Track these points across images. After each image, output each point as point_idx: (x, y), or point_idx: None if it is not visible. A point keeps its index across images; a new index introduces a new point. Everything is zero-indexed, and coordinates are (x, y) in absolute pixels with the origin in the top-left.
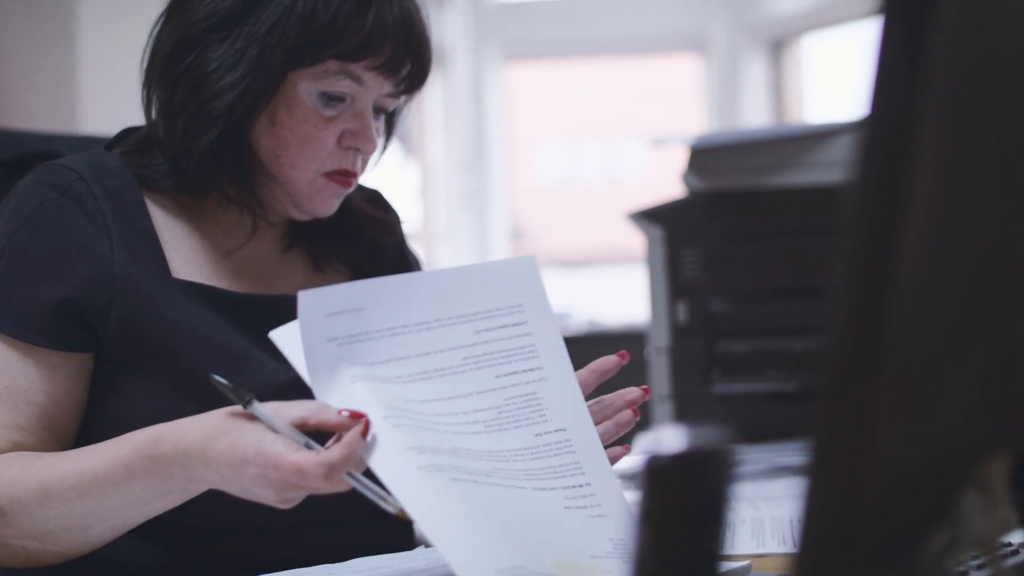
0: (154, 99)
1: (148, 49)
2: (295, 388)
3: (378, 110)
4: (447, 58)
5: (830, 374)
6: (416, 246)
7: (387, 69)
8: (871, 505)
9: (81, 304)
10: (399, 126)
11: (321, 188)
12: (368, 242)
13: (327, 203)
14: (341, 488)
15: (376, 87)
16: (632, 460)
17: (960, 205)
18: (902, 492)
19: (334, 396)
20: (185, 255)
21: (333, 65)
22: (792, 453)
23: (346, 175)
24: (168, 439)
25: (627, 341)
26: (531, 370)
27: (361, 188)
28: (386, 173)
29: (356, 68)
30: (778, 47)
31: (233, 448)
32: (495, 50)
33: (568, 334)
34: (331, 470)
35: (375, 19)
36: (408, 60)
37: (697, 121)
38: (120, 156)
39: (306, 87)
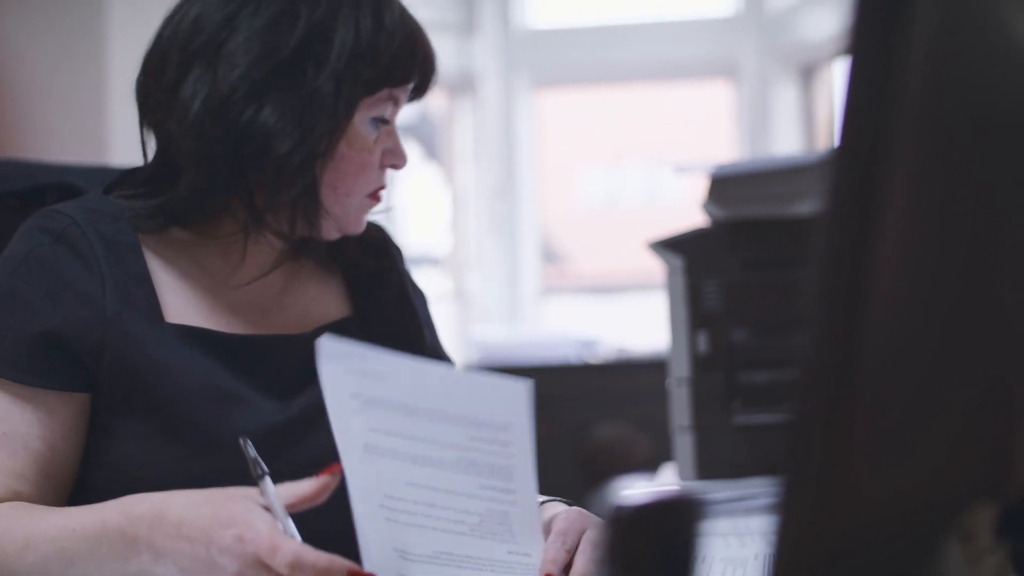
0: (191, 151)
1: (169, 101)
2: (286, 430)
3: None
4: (477, 85)
5: (802, 409)
6: (447, 273)
7: (418, 89)
8: (846, 550)
9: (73, 344)
10: (431, 152)
11: (364, 207)
12: (366, 275)
13: (364, 221)
14: None
15: (402, 104)
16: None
17: (932, 239)
18: (880, 538)
19: (349, 453)
20: (182, 297)
21: (385, 92)
22: None
23: (381, 190)
24: (152, 499)
25: (653, 369)
26: (507, 491)
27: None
28: (419, 199)
29: (398, 91)
30: (809, 73)
31: (218, 514)
32: (525, 77)
33: (595, 361)
34: (300, 564)
35: (412, 42)
36: (430, 77)
37: (729, 147)
38: (117, 200)
39: (360, 116)
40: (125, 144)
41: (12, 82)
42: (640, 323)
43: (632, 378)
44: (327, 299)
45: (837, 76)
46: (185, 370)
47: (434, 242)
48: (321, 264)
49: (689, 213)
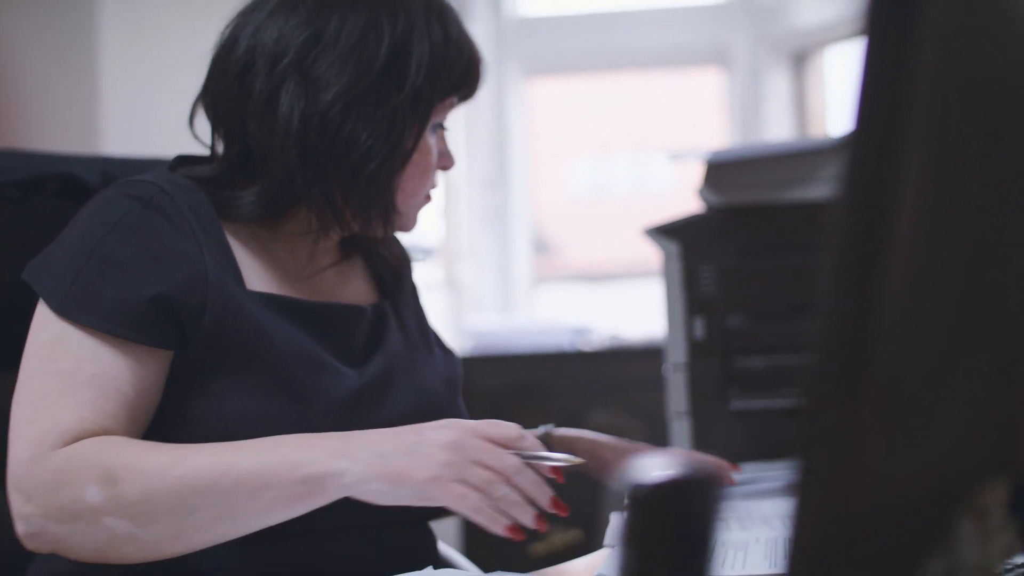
0: (291, 160)
1: (263, 112)
2: (365, 396)
3: None
4: None
5: (815, 392)
6: (439, 262)
7: (472, 95)
8: (861, 528)
9: (176, 302)
10: None
11: (419, 207)
12: (387, 271)
13: (418, 219)
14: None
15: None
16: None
17: (947, 221)
18: (895, 517)
19: None
20: (256, 270)
21: (450, 100)
22: None
23: (433, 189)
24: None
25: (647, 356)
26: None
27: None
28: None
29: (456, 97)
30: (801, 60)
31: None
32: (516, 66)
33: (588, 349)
34: (523, 434)
35: (474, 52)
36: (480, 82)
37: (721, 134)
38: (187, 180)
39: (429, 121)
40: (117, 134)
41: (4, 73)
42: (631, 311)
43: (625, 365)
44: (365, 286)
45: (829, 63)
46: (277, 332)
47: (427, 232)
48: (352, 258)
49: (678, 202)
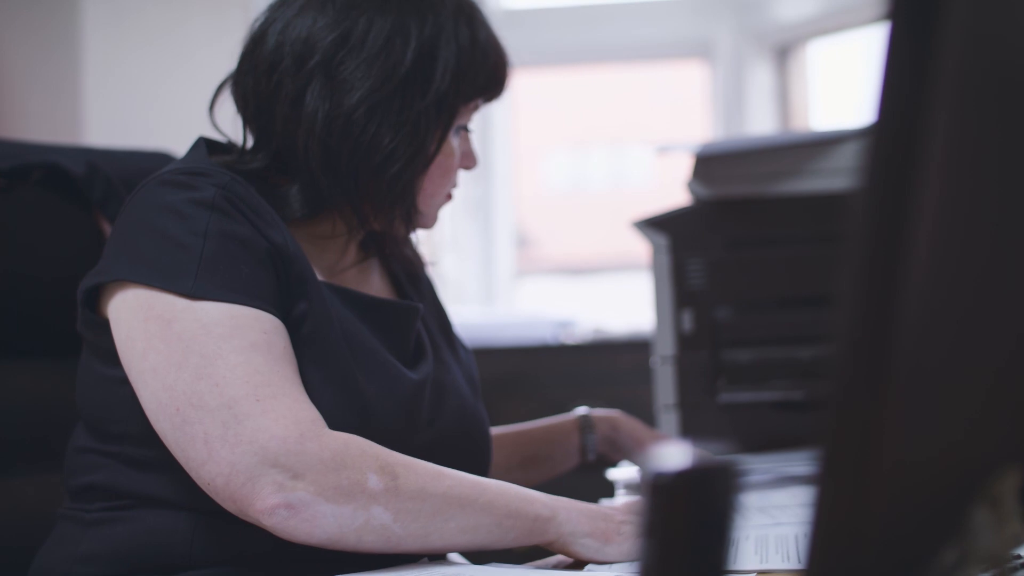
0: (317, 160)
1: (291, 111)
2: (422, 394)
3: None
4: None
5: (837, 383)
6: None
7: (497, 96)
8: (879, 518)
9: (282, 265)
10: None
11: (440, 205)
12: (403, 270)
13: (437, 218)
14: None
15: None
16: (636, 471)
17: (968, 213)
18: (911, 506)
19: None
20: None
21: (475, 103)
22: (799, 462)
23: (454, 189)
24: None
25: (632, 349)
26: None
27: None
28: None
29: (481, 100)
30: (784, 53)
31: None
32: None
33: (573, 342)
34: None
35: (501, 56)
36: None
37: (703, 128)
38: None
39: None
40: (98, 124)
41: None
42: (611, 304)
43: (609, 358)
44: (383, 285)
45: (812, 57)
46: (342, 324)
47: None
48: (369, 258)
49: (658, 195)
